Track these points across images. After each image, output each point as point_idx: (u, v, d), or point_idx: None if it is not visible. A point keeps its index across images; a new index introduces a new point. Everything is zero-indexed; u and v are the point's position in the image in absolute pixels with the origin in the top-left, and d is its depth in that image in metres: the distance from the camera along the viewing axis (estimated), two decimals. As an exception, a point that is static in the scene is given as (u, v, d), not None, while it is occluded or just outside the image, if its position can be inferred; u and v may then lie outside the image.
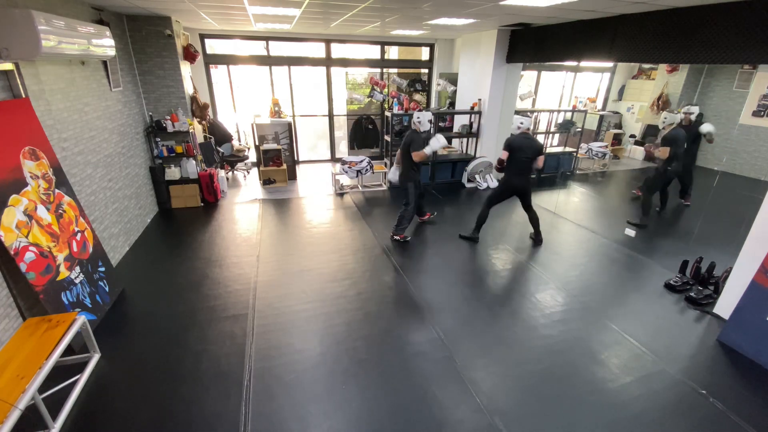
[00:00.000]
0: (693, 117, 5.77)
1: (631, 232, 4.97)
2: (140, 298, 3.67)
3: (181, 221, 5.47)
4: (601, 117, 9.89)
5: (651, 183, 5.46)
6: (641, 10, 4.06)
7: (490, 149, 7.10)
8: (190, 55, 6.05)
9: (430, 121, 4.65)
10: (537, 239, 4.86)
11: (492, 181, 7.19)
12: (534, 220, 4.80)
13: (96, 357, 2.86)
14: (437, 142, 4.51)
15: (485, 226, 4.92)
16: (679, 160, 5.12)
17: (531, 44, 5.91)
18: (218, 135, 6.97)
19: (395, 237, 4.83)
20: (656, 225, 5.36)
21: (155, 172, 5.54)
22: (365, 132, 8.81)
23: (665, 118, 5.15)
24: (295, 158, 7.96)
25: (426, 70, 8.96)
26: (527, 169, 4.49)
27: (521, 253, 4.62)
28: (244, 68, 7.75)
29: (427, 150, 4.47)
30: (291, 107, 8.10)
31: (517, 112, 7.50)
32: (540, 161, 4.44)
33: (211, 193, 6.06)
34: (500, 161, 4.51)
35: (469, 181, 7.24)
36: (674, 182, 5.62)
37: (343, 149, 9.12)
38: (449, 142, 8.20)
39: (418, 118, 4.59)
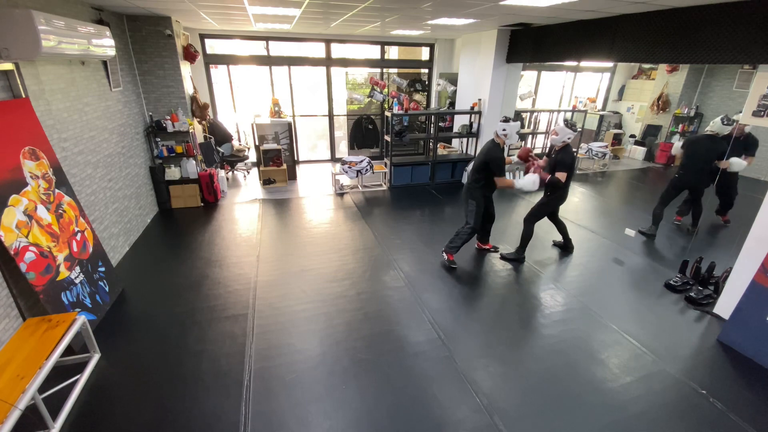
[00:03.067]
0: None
1: (630, 232, 4.96)
2: (140, 298, 3.68)
3: (181, 221, 5.47)
4: (601, 117, 9.90)
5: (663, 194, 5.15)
6: (641, 10, 4.07)
7: (490, 149, 7.09)
8: (190, 55, 6.05)
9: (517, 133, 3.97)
10: (569, 246, 4.68)
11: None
12: (563, 228, 4.63)
13: (96, 357, 2.86)
14: (531, 184, 3.90)
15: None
16: (696, 170, 4.82)
17: (531, 44, 5.90)
18: (218, 135, 6.97)
19: (444, 253, 4.30)
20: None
21: (155, 172, 5.54)
22: (365, 132, 8.82)
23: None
24: (295, 158, 7.96)
25: (426, 70, 8.96)
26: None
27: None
28: (244, 68, 7.75)
29: (517, 183, 3.94)
30: (291, 107, 8.10)
31: (518, 113, 7.51)
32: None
33: (211, 193, 6.06)
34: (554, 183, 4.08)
35: (469, 181, 7.25)
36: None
37: (343, 149, 9.12)
38: (449, 142, 8.22)
39: (504, 130, 3.86)
